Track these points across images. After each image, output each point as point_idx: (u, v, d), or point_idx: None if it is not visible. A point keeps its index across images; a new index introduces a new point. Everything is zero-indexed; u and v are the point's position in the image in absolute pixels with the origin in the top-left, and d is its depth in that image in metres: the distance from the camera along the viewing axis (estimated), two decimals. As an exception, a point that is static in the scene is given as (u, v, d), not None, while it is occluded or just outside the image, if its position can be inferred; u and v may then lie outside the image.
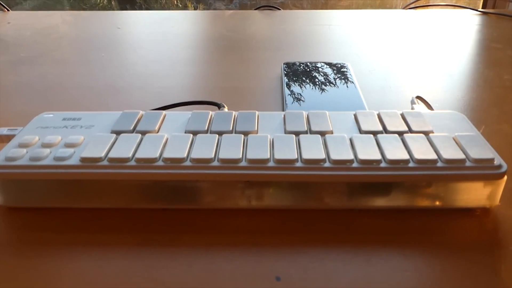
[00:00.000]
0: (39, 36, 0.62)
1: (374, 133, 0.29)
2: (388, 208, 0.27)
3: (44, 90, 0.44)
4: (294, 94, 0.41)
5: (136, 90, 0.44)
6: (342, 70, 0.46)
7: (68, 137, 0.29)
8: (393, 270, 0.23)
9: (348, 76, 0.45)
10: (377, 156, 0.26)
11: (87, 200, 0.27)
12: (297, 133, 0.29)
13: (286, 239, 0.25)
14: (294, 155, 0.26)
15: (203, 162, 0.26)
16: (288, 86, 0.42)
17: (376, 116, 0.31)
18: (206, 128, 0.29)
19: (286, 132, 0.29)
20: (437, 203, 0.27)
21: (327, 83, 0.43)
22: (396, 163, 0.26)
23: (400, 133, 0.29)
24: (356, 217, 0.27)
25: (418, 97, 0.38)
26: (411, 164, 0.26)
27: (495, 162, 0.26)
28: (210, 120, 0.30)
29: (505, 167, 0.26)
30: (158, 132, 0.29)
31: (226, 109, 0.36)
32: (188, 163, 0.26)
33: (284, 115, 0.31)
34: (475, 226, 0.26)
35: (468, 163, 0.26)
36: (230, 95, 0.43)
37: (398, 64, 0.50)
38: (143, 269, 0.23)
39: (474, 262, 0.23)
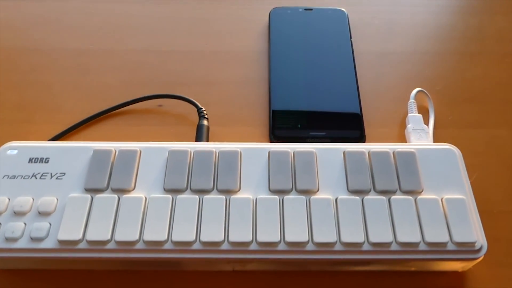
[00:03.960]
0: None
1: (362, 193, 0.28)
2: (365, 271, 0.28)
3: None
4: (281, 67, 0.37)
5: (99, 53, 0.39)
6: (338, 22, 0.40)
7: (40, 199, 0.27)
8: None
9: (344, 32, 0.39)
10: (360, 238, 0.26)
11: (67, 267, 0.28)
12: (281, 192, 0.28)
13: (267, 311, 0.27)
14: (277, 237, 0.26)
15: (185, 245, 0.26)
16: (275, 54, 0.37)
17: (367, 158, 0.29)
18: (185, 185, 0.28)
19: (270, 189, 0.28)
20: (413, 269, 0.28)
21: (321, 48, 0.38)
22: (379, 246, 0.26)
23: (389, 193, 0.28)
24: (334, 276, 0.28)
25: (420, 91, 0.34)
26: (393, 247, 0.26)
27: (476, 246, 0.26)
28: (189, 167, 0.28)
29: (484, 249, 0.26)
30: (134, 188, 0.28)
31: (206, 122, 0.33)
32: (169, 245, 0.26)
33: (268, 155, 0.29)
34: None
35: (450, 246, 0.26)
36: (207, 68, 0.38)
37: (402, 11, 0.43)
38: None
39: None
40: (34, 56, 0.38)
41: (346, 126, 0.33)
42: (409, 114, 0.33)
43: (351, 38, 0.39)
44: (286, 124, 0.33)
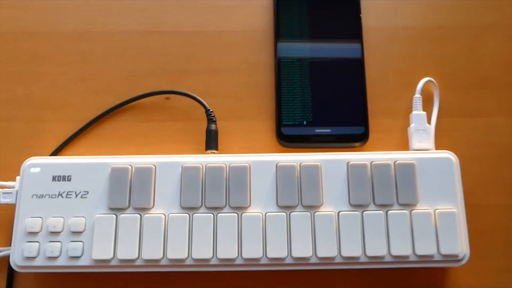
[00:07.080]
0: None
1: (362, 206, 0.30)
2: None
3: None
4: (288, 51, 0.36)
5: (98, 37, 0.37)
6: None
7: (70, 219, 0.30)
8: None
9: (354, 4, 0.37)
10: (358, 252, 0.29)
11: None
12: (288, 208, 0.30)
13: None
14: (285, 253, 0.29)
15: (203, 262, 0.29)
16: (282, 34, 0.36)
17: (369, 170, 0.31)
18: (200, 203, 0.30)
19: (278, 205, 0.30)
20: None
21: (328, 27, 0.36)
22: (374, 259, 0.29)
23: (387, 206, 0.30)
24: (333, 275, 0.32)
25: (429, 81, 0.34)
26: (386, 258, 0.29)
27: (459, 256, 0.29)
28: (202, 183, 0.30)
29: (467, 257, 0.30)
30: (153, 206, 0.30)
31: (214, 126, 0.33)
32: (189, 261, 0.29)
33: (276, 169, 0.31)
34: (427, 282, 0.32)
35: (436, 257, 0.29)
36: (212, 52, 0.37)
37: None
38: None
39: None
40: (31, 41, 0.37)
41: (351, 123, 0.34)
42: (413, 112, 0.34)
43: (360, 13, 0.37)
44: (292, 121, 0.34)
